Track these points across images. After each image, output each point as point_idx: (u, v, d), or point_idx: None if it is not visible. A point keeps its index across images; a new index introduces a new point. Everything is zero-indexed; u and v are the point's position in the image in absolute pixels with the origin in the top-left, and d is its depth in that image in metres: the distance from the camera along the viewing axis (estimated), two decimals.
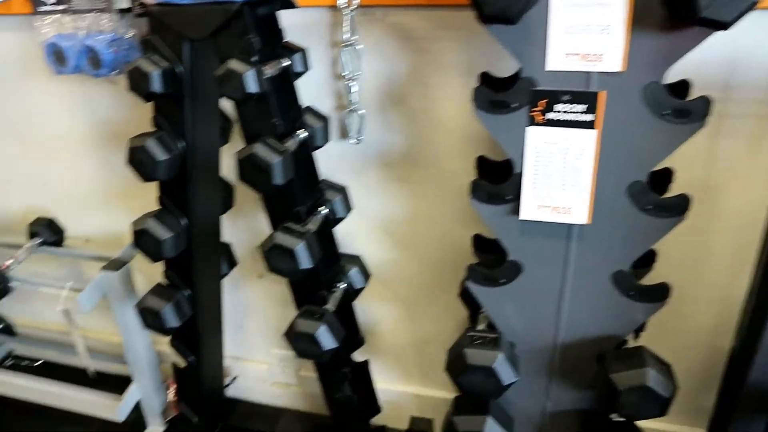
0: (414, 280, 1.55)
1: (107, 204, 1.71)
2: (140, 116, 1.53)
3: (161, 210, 1.23)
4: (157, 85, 1.08)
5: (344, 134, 1.37)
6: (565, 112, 0.98)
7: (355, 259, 1.39)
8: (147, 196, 1.64)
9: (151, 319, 1.29)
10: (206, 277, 1.37)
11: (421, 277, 1.54)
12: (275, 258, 1.12)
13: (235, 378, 1.77)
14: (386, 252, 1.52)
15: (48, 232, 1.63)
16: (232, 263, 1.51)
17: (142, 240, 1.20)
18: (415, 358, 1.67)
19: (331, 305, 1.25)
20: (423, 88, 1.32)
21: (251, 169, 1.06)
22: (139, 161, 1.13)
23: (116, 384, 1.80)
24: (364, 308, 1.59)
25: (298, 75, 1.22)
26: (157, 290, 1.31)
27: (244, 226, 1.59)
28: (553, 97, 0.98)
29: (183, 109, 1.15)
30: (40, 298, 1.56)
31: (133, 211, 1.69)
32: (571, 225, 1.06)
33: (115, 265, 1.49)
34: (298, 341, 1.18)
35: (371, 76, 1.32)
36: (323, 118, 1.27)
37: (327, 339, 1.18)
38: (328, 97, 1.36)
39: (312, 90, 1.32)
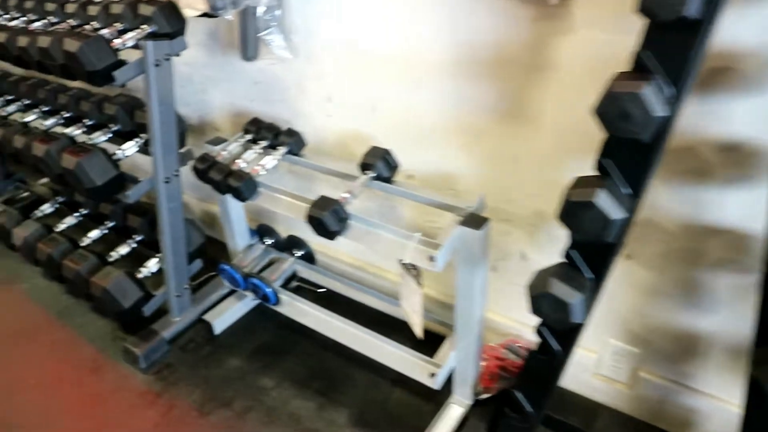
0: None
1: (444, 140, 1.42)
2: (523, 42, 1.19)
3: (606, 178, 0.89)
4: (693, 7, 0.71)
5: None
6: None
7: None
8: (498, 139, 1.34)
9: (550, 307, 0.99)
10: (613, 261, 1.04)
11: None
12: None
13: None
14: None
15: (383, 166, 1.39)
16: None
17: (583, 215, 0.88)
18: None
19: None
20: None
21: None
22: (624, 114, 0.78)
23: (400, 332, 1.61)
24: None
25: None
26: (560, 272, 1.00)
27: None
28: None
29: (693, 46, 0.77)
30: None
31: (475, 154, 1.40)
32: None
33: (476, 222, 1.21)
34: None
35: None
36: None
37: None
38: None
39: None
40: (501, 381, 1.52)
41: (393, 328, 1.74)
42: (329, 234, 1.28)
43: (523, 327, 1.57)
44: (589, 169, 1.23)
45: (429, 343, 1.55)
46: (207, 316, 1.78)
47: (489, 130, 1.34)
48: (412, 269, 1.27)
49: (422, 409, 1.53)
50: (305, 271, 1.91)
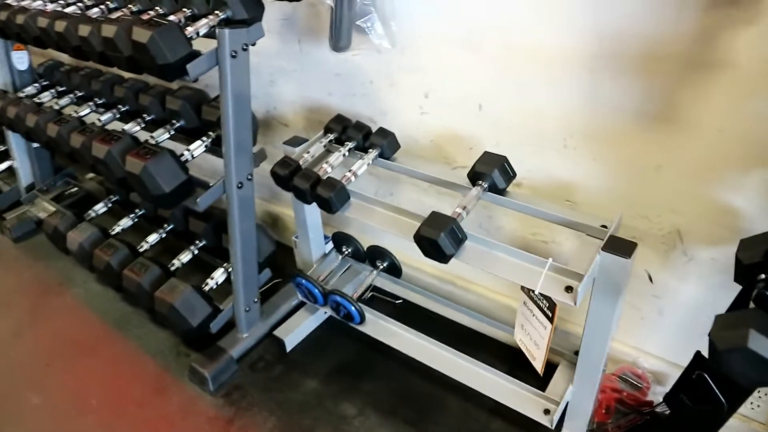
0: None
1: (566, 144, 1.22)
2: (688, 34, 0.98)
3: None
4: None
5: None
6: None
7: None
8: (638, 146, 1.12)
9: (747, 366, 0.80)
10: None
11: None
12: None
13: None
14: None
15: (499, 176, 1.19)
16: None
17: None
18: None
19: None
20: None
21: None
22: None
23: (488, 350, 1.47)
24: None
25: None
26: (760, 324, 0.80)
27: None
28: None
29: None
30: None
31: (605, 162, 1.17)
32: None
33: (623, 248, 1.01)
34: None
35: None
36: None
37: None
38: None
39: None
40: (617, 415, 1.33)
41: (480, 345, 1.58)
42: (443, 257, 1.09)
43: (639, 354, 1.38)
44: (754, 185, 1.04)
45: (526, 367, 1.38)
46: (278, 332, 1.62)
47: (627, 135, 1.13)
48: (541, 300, 1.09)
49: None
50: (381, 281, 1.73)
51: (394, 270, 1.57)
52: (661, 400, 1.29)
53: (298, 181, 1.28)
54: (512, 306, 1.54)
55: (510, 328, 1.47)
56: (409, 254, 1.65)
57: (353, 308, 1.44)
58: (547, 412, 1.25)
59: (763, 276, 0.92)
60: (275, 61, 1.61)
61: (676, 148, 1.09)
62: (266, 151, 1.50)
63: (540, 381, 1.32)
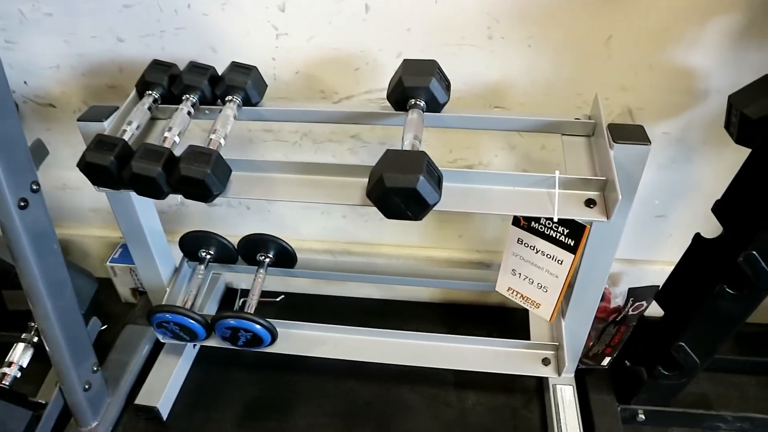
0: None
1: (491, 35, 0.93)
2: None
3: None
4: None
5: None
6: None
7: None
8: (583, 20, 0.87)
9: None
10: None
11: None
12: None
13: None
14: None
15: (438, 86, 0.85)
16: None
17: None
18: None
19: None
20: None
21: None
22: None
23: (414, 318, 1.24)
24: None
25: None
26: None
27: None
28: None
29: None
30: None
31: (541, 48, 0.90)
32: None
33: (636, 134, 0.78)
34: None
35: None
36: None
37: None
38: None
39: None
40: (595, 335, 1.16)
41: (407, 314, 1.28)
42: (423, 210, 0.73)
43: None
44: (713, 35, 0.88)
45: (468, 319, 1.15)
46: (141, 399, 1.08)
47: (570, 7, 0.89)
48: (555, 229, 0.81)
49: (514, 404, 1.11)
50: (249, 278, 1.28)
51: (287, 259, 1.14)
52: (627, 301, 1.15)
53: (142, 165, 0.77)
54: (435, 256, 1.25)
55: (435, 281, 1.19)
56: (285, 233, 1.22)
57: (259, 327, 0.99)
58: (546, 361, 1.01)
59: None
60: (10, 5, 0.99)
61: (628, 12, 0.88)
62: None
63: (485, 328, 1.10)
